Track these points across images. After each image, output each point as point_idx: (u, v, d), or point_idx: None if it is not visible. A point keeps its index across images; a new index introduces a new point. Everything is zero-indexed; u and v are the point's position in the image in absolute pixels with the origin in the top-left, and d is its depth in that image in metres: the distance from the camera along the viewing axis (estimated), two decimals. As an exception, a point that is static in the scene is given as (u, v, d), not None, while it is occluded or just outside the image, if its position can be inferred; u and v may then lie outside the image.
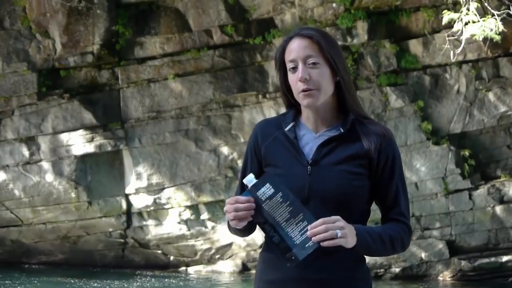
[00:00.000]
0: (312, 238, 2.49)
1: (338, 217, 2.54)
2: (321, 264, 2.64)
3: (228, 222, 2.77)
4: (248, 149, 2.87)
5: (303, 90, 2.70)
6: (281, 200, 2.55)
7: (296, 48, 2.72)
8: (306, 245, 2.51)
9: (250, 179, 2.59)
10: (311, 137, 2.77)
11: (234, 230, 2.78)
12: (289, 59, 2.74)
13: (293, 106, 2.84)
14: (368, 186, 2.74)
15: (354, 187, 2.69)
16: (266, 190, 2.56)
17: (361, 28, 13.36)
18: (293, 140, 2.75)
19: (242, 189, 2.82)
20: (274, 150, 2.78)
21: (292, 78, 2.74)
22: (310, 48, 2.71)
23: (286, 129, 2.78)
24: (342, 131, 2.74)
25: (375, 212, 2.81)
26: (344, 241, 2.52)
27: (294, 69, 2.73)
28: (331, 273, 2.67)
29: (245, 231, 2.79)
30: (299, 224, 2.53)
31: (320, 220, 2.51)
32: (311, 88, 2.69)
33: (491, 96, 13.52)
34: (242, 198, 2.57)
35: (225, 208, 2.62)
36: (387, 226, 2.73)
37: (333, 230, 2.50)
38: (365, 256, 2.77)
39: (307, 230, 2.52)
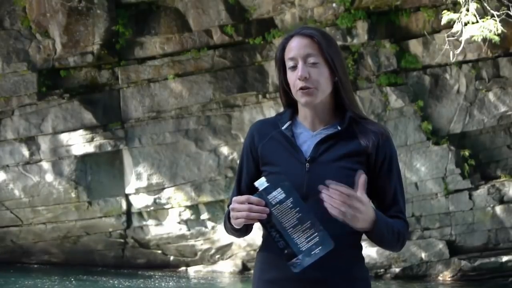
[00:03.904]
0: (324, 203, 2.47)
1: (366, 199, 2.51)
2: (321, 263, 2.61)
3: (225, 221, 2.76)
4: (244, 150, 2.87)
5: (302, 88, 2.70)
6: (291, 206, 2.52)
7: (297, 46, 2.73)
8: (312, 253, 2.50)
9: (261, 182, 2.56)
10: (308, 135, 2.77)
11: (231, 230, 2.76)
12: (289, 57, 2.75)
13: (291, 106, 2.84)
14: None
15: (352, 183, 2.65)
16: (277, 194, 2.53)
17: (361, 28, 13.36)
18: (291, 138, 2.75)
19: (239, 190, 2.82)
20: (271, 149, 2.78)
21: (291, 76, 2.74)
22: (311, 47, 2.72)
23: (283, 127, 2.78)
24: (340, 129, 2.74)
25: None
26: (351, 222, 2.50)
27: (294, 67, 2.73)
28: (331, 272, 2.66)
29: (242, 232, 2.77)
30: (306, 231, 2.51)
31: (349, 192, 2.47)
32: (310, 86, 2.70)
33: (491, 96, 13.51)
34: (254, 198, 2.54)
35: (232, 206, 2.58)
36: (394, 221, 2.71)
37: (349, 209, 2.46)
38: (363, 255, 2.77)
39: (314, 237, 2.50)
